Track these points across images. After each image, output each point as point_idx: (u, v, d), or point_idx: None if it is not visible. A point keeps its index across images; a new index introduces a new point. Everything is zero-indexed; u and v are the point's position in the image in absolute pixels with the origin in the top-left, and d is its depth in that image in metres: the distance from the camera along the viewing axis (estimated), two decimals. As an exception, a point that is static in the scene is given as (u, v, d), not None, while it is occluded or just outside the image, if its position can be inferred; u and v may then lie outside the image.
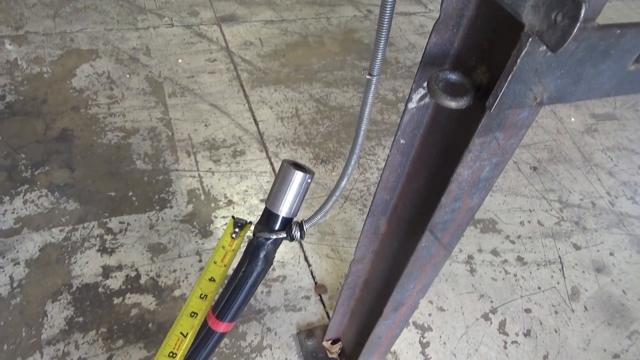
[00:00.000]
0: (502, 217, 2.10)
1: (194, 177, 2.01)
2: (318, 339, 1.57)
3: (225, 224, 1.86)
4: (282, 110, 2.40)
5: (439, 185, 0.86)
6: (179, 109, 2.29)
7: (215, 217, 1.88)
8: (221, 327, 0.88)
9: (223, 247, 0.95)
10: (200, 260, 1.73)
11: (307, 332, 1.58)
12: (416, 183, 0.91)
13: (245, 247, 0.89)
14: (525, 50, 0.51)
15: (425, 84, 0.76)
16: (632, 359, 1.69)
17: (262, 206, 1.91)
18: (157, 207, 1.87)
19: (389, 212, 1.02)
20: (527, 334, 1.71)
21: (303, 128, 2.32)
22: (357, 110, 2.48)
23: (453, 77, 0.67)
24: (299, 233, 0.82)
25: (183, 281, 1.66)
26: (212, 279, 0.92)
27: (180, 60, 2.54)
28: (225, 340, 1.53)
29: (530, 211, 2.15)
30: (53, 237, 1.72)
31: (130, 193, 1.91)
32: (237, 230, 0.94)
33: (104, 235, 1.75)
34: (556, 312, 1.79)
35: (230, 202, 1.94)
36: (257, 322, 1.60)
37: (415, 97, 0.78)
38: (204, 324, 0.90)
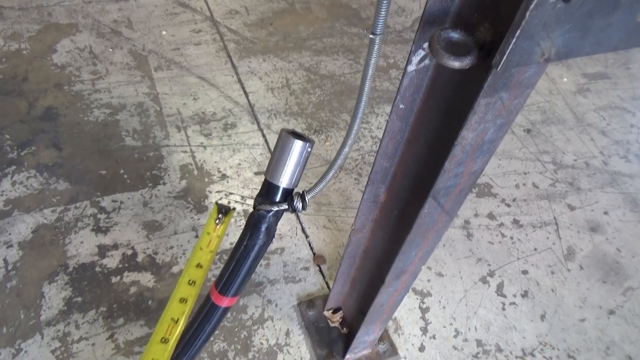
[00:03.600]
0: (497, 181, 2.10)
1: (185, 152, 1.97)
2: (319, 309, 1.58)
3: (220, 198, 1.84)
4: (272, 80, 2.34)
5: (440, 150, 0.84)
6: (166, 83, 2.23)
7: (210, 192, 1.85)
8: (224, 301, 0.87)
9: (208, 234, 0.94)
10: (196, 236, 1.71)
11: (308, 303, 1.59)
12: (416, 149, 0.89)
13: (246, 220, 0.87)
14: (535, 1, 0.48)
15: (425, 45, 0.73)
16: (626, 314, 1.73)
17: (257, 179, 1.90)
18: (150, 184, 1.84)
19: (389, 179, 1.00)
20: (524, 295, 1.73)
21: (294, 98, 2.28)
22: (349, 78, 2.43)
23: (455, 35, 0.64)
24: (300, 204, 0.80)
25: (180, 257, 1.65)
26: (199, 265, 0.91)
27: (164, 32, 2.46)
28: (227, 315, 1.53)
29: (525, 174, 2.15)
30: (45, 218, 1.69)
31: (122, 171, 1.87)
32: (220, 216, 0.92)
33: (97, 214, 1.73)
34: (552, 273, 1.81)
35: (224, 176, 1.91)
36: (257, 294, 1.60)
37: (415, 59, 0.75)
38: (207, 299, 0.89)
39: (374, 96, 2.37)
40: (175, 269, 1.62)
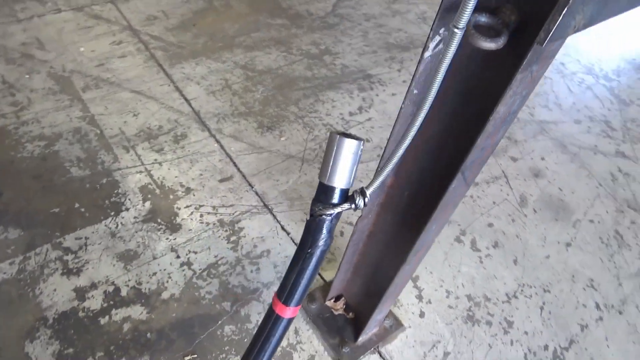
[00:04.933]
0: (447, 147, 2.23)
1: (141, 172, 1.87)
2: (319, 300, 1.60)
3: (191, 213, 1.77)
4: (210, 84, 2.27)
5: (457, 128, 0.89)
6: (99, 103, 2.08)
7: (179, 209, 1.78)
8: (289, 312, 0.86)
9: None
10: (177, 257, 1.64)
11: (308, 297, 1.60)
12: (429, 131, 0.93)
13: (305, 228, 0.86)
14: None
15: (441, 31, 0.77)
16: (580, 244, 1.95)
17: (223, 187, 1.85)
18: (112, 213, 1.73)
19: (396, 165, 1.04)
20: (495, 245, 1.89)
21: (238, 98, 2.24)
22: (286, 70, 2.43)
23: (483, 19, 0.69)
24: (362, 201, 0.81)
25: (167, 281, 1.58)
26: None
27: (82, 49, 2.28)
28: (232, 327, 1.50)
29: (468, 136, 2.31)
30: (4, 273, 1.52)
31: (76, 205, 1.73)
32: None
33: (63, 256, 1.59)
34: (513, 220, 1.98)
35: (188, 190, 1.84)
36: (256, 301, 1.58)
37: (432, 44, 0.79)
38: (270, 312, 0.87)
39: (314, 84, 2.39)
40: (165, 295, 1.55)
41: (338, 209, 0.80)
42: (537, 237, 1.94)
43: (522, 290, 1.76)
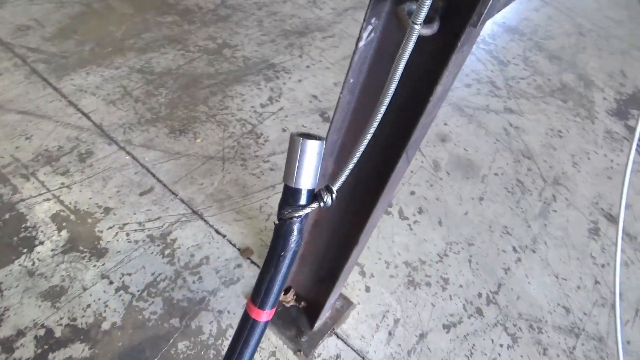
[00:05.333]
0: (360, 125, 2.31)
1: (48, 200, 1.70)
2: (269, 296, 1.59)
3: (116, 233, 1.66)
4: (108, 93, 2.11)
5: (396, 110, 0.93)
6: (-20, 131, 1.84)
7: (101, 232, 1.65)
8: (264, 315, 0.85)
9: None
10: (110, 282, 1.54)
11: (257, 296, 1.59)
12: (363, 116, 0.96)
13: (274, 231, 0.85)
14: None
15: (373, 20, 0.80)
16: (490, 196, 2.15)
17: (145, 200, 1.76)
18: (25, 250, 1.56)
19: (337, 151, 1.07)
20: (420, 211, 2.01)
21: (142, 105, 2.11)
22: (187, 69, 2.33)
23: (414, 7, 0.72)
24: (330, 198, 0.81)
25: (105, 311, 1.47)
26: None
27: (-55, 72, 1.98)
28: (185, 343, 1.45)
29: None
30: None
31: (-21, 248, 1.54)
32: None
33: (-25, 308, 1.41)
34: (431, 185, 2.13)
35: (107, 210, 1.72)
36: (205, 311, 1.54)
37: (365, 34, 0.81)
38: (245, 317, 0.85)
39: (219, 80, 2.33)
40: (105, 325, 1.44)
41: (308, 210, 0.81)
42: (454, 197, 2.10)
43: (450, 248, 1.90)
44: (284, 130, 2.17)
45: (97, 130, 1.96)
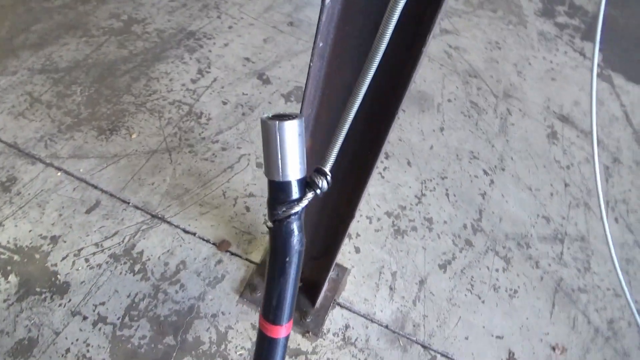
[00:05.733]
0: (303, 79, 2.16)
1: (-20, 245, 1.46)
2: (261, 284, 1.50)
3: (73, 262, 1.47)
4: (12, 105, 1.81)
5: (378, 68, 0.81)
6: None
7: (55, 265, 1.45)
8: (283, 331, 0.75)
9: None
10: (84, 318, 1.37)
11: (248, 288, 1.48)
12: (339, 79, 0.84)
13: (271, 236, 0.72)
14: None
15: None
16: (449, 124, 2.11)
17: (95, 217, 1.56)
18: (-29, 309, 1.34)
19: (311, 125, 0.94)
20: (386, 156, 1.94)
21: (57, 109, 1.83)
22: (96, 57, 2.04)
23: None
24: (325, 181, 0.69)
25: (88, 351, 1.31)
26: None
27: None
28: (189, 359, 1.33)
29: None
30: None
31: None
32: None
33: None
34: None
35: (54, 239, 1.50)
36: (197, 319, 1.42)
37: (334, -14, 0.67)
38: (262, 337, 0.75)
39: (138, 61, 2.06)
40: (92, 366, 1.29)
41: (304, 203, 0.69)
42: (417, 133, 2.04)
43: (425, 186, 1.86)
44: (225, 103, 1.99)
45: (13, 151, 1.68)
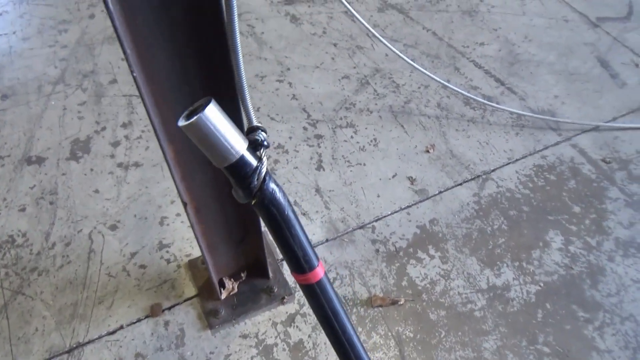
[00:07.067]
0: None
1: None
2: (214, 303, 1.46)
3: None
4: None
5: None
6: None
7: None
8: (319, 272, 0.81)
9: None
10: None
11: (209, 316, 1.44)
12: (158, 71, 0.83)
13: (257, 209, 0.75)
14: None
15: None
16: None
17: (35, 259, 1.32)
18: None
19: (167, 139, 0.93)
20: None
21: None
22: None
23: None
24: (263, 134, 0.73)
25: None
26: None
27: None
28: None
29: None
30: None
31: None
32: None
33: None
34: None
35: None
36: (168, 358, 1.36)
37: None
38: (309, 288, 0.81)
39: None
40: None
41: (264, 166, 0.72)
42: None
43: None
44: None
45: None
